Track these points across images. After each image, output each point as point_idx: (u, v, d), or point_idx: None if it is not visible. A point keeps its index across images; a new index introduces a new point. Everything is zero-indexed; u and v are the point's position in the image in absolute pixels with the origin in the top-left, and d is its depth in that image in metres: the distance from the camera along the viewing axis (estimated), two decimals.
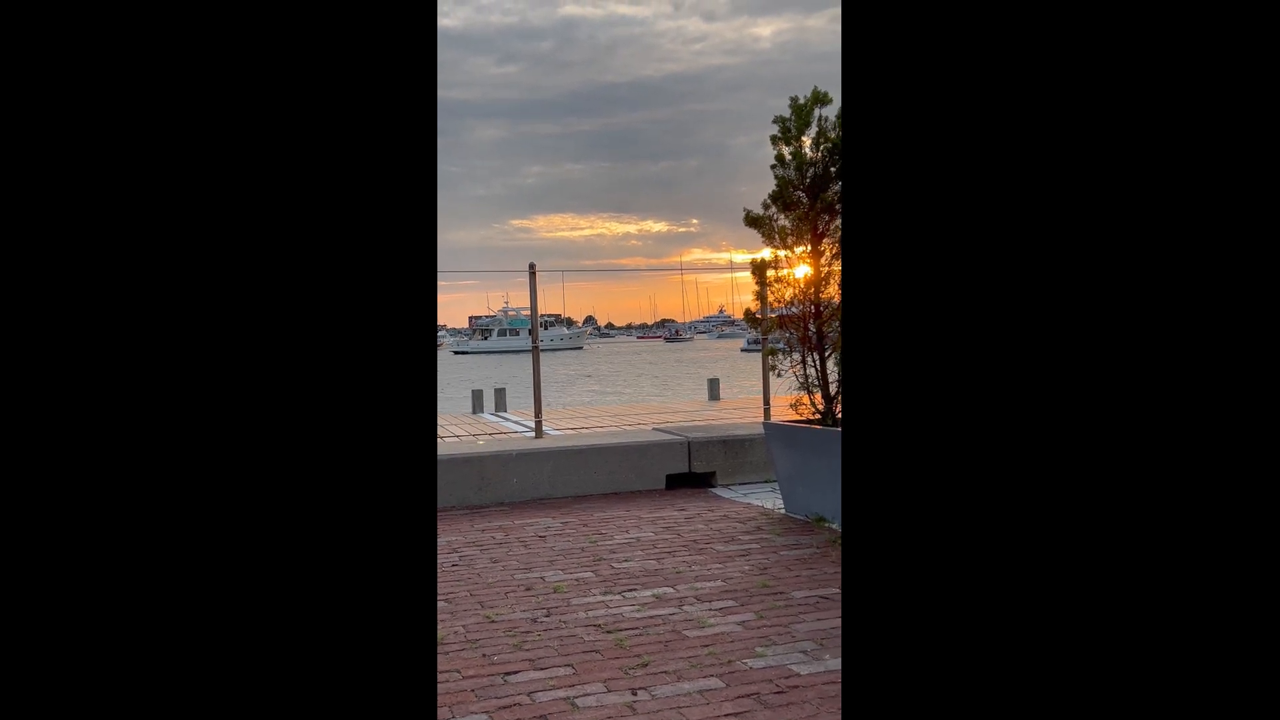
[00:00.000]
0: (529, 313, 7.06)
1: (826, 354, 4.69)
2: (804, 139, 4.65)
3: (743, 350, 47.63)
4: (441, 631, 2.97)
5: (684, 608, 3.17)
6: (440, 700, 2.42)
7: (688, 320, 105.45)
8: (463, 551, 4.04)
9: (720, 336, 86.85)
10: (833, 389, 4.67)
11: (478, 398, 11.68)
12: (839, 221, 4.51)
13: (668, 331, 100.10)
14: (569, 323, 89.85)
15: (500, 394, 11.42)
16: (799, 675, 2.53)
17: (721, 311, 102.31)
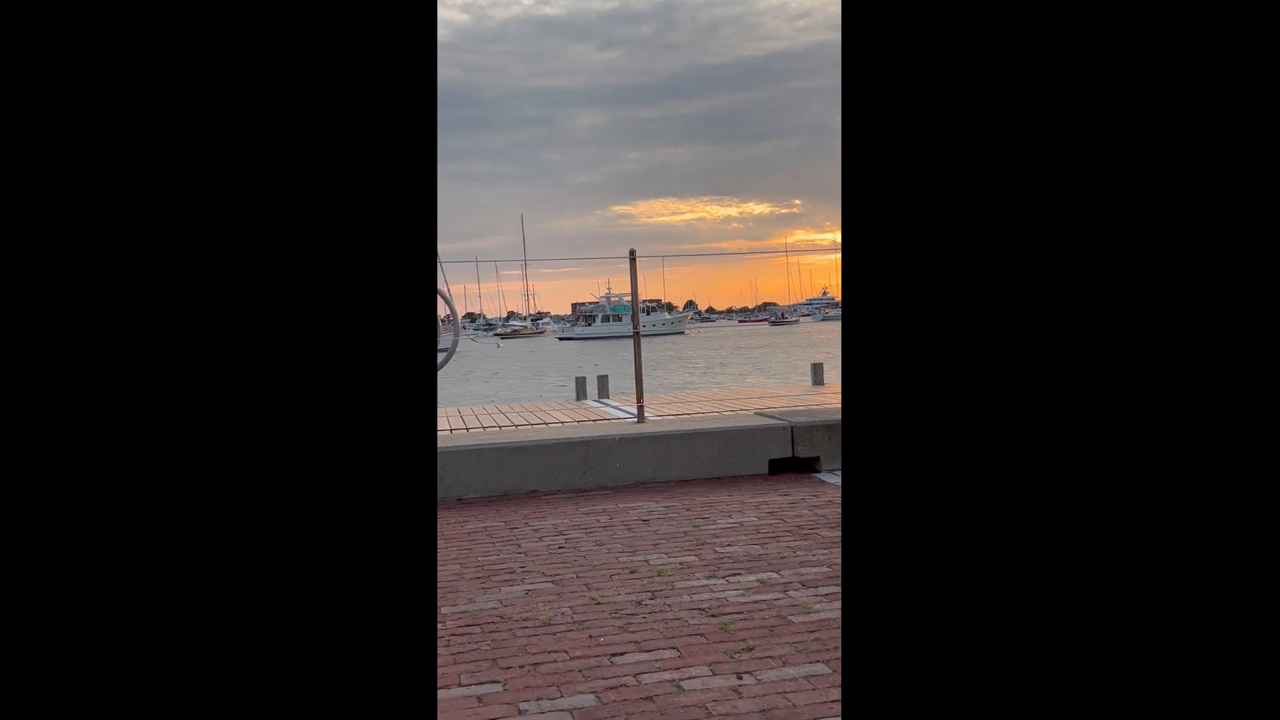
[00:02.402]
0: (631, 298, 7.10)
1: None
2: None
3: None
4: (549, 612, 3.04)
5: (789, 593, 3.15)
6: (549, 680, 2.48)
7: (791, 303, 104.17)
8: (568, 534, 4.12)
9: (824, 319, 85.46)
10: None
11: (581, 384, 11.84)
12: None
13: (772, 315, 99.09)
14: (669, 308, 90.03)
15: (603, 380, 11.54)
16: None
17: (825, 293, 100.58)
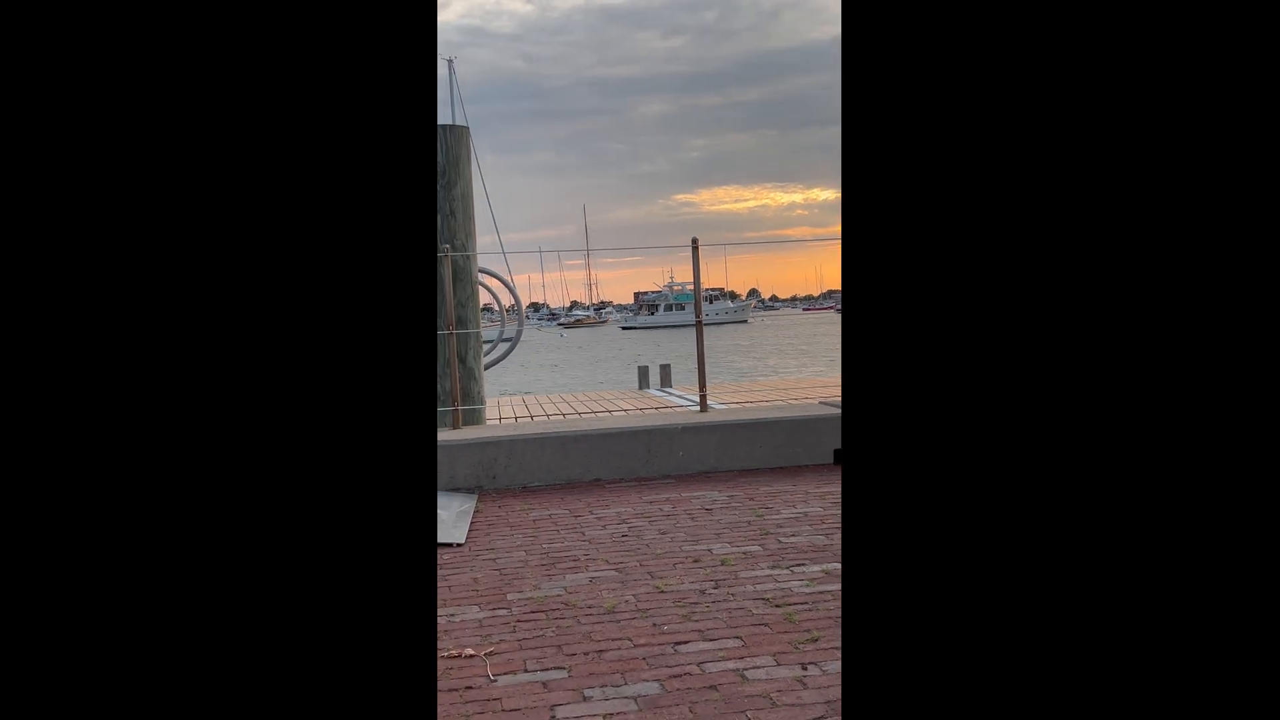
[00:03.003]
0: (694, 287, 7.07)
1: None
2: None
3: None
4: (613, 600, 3.06)
5: None
6: (613, 667, 2.50)
7: None
8: (631, 523, 4.13)
9: None
10: None
11: (643, 374, 11.86)
12: None
13: (837, 302, 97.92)
14: (733, 296, 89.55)
15: (665, 369, 11.54)
16: None
17: None
